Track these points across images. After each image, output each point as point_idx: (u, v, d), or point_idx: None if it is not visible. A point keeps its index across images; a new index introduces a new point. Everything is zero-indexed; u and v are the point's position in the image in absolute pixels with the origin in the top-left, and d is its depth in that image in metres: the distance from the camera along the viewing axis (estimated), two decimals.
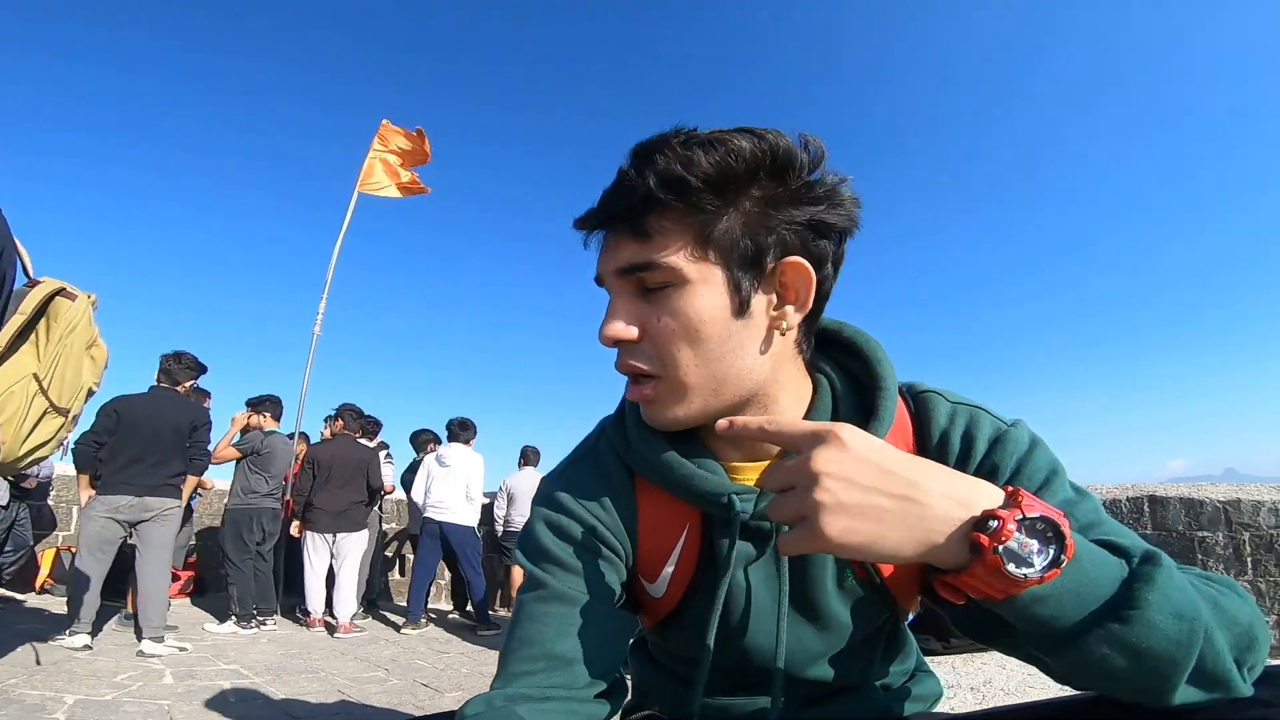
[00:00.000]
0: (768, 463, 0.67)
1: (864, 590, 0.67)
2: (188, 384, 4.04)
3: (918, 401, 0.69)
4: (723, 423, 0.56)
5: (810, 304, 0.61)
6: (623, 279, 0.61)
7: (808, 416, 0.66)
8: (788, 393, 0.65)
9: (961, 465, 0.64)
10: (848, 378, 0.69)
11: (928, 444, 0.66)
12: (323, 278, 6.15)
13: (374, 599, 5.48)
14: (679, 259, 0.58)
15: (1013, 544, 0.44)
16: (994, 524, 0.45)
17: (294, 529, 4.73)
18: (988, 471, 0.62)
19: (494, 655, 3.84)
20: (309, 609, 4.64)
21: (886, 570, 0.66)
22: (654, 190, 0.56)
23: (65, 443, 1.92)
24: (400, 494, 5.89)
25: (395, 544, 6.42)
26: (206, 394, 4.60)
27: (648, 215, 0.58)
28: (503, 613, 5.61)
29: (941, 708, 0.81)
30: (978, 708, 0.78)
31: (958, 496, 0.47)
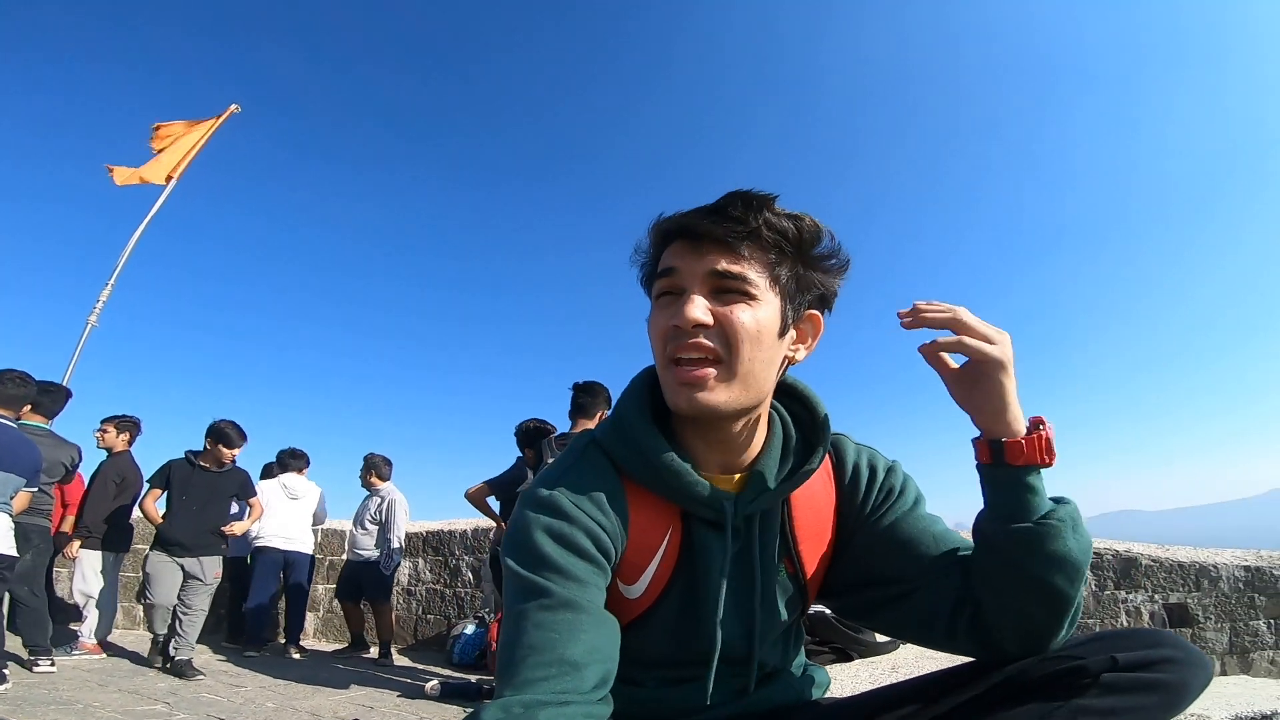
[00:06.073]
0: (739, 475, 0.81)
1: (790, 584, 0.83)
2: None
3: (833, 442, 0.89)
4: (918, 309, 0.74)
5: (813, 349, 0.82)
6: (709, 279, 0.73)
7: (768, 442, 0.82)
8: (766, 414, 0.82)
9: (869, 488, 0.85)
10: (792, 416, 0.86)
11: (844, 473, 0.87)
12: (113, 263, 5.72)
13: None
14: (760, 280, 0.74)
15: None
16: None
17: (72, 549, 4.13)
18: (885, 491, 0.85)
19: (304, 690, 3.59)
20: (93, 637, 4.14)
21: (809, 569, 0.84)
22: (761, 229, 0.73)
23: None
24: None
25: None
26: None
27: (746, 242, 0.73)
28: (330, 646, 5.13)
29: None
30: None
31: None
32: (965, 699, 0.73)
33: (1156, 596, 4.85)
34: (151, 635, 3.99)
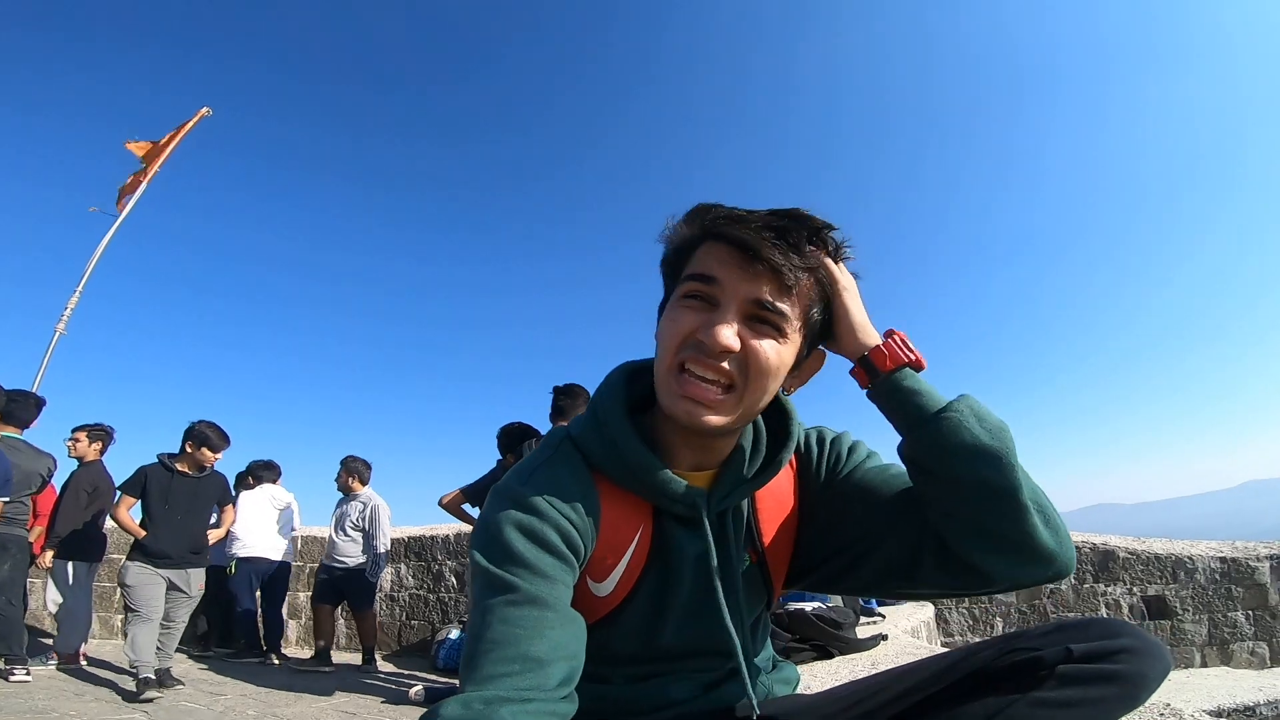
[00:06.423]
0: (712, 471, 0.80)
1: (757, 576, 0.84)
2: None
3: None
4: None
5: (806, 383, 0.82)
6: (748, 305, 0.71)
7: (739, 443, 0.81)
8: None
9: (819, 458, 0.87)
10: (765, 420, 0.85)
11: (799, 452, 0.88)
12: (80, 270, 5.74)
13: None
14: (795, 319, 0.73)
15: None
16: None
17: (45, 560, 4.08)
18: (835, 456, 0.86)
19: (285, 697, 3.55)
20: (74, 647, 4.13)
21: (771, 557, 0.84)
22: (819, 269, 0.72)
23: None
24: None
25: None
26: None
27: (801, 275, 0.71)
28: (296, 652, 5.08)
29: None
30: None
31: None
32: (925, 695, 0.72)
33: (1135, 589, 4.93)
34: (133, 668, 3.51)
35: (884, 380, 0.74)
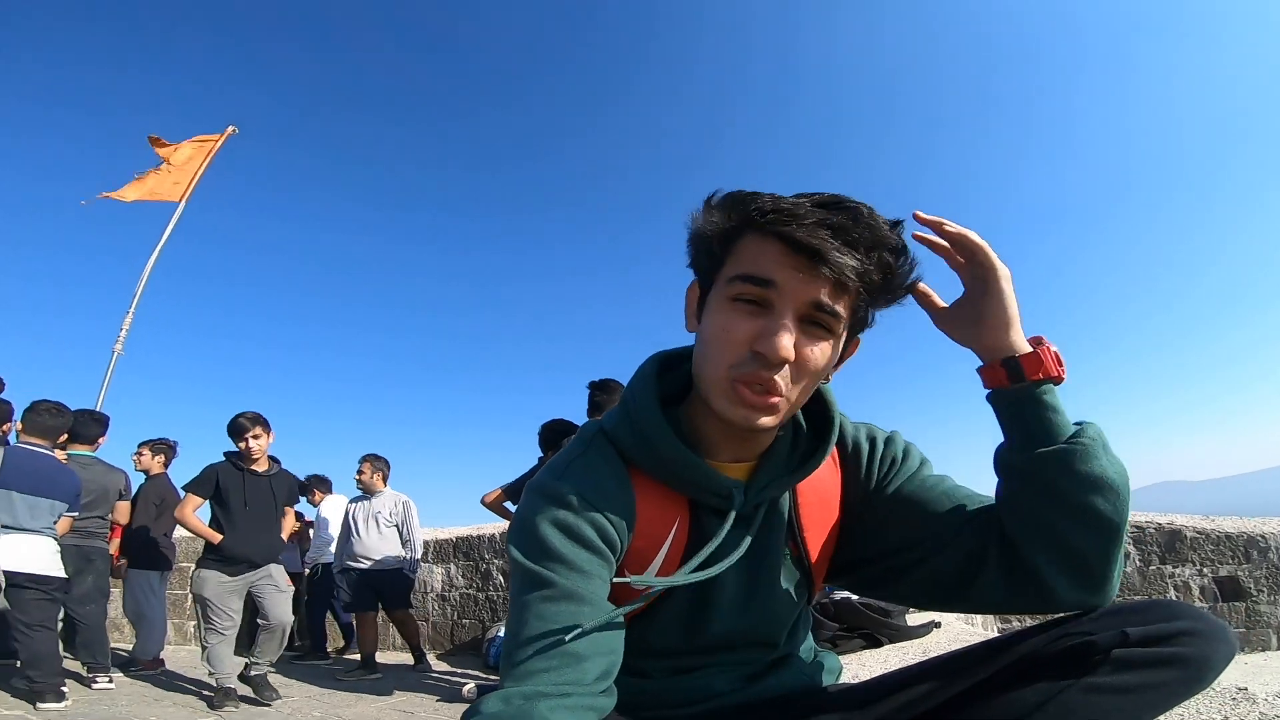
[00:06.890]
0: (750, 463, 0.79)
1: (797, 569, 0.83)
2: None
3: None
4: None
5: (840, 369, 0.79)
6: (805, 308, 0.68)
7: (781, 434, 0.81)
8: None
9: (870, 460, 0.84)
10: (802, 409, 0.83)
11: (845, 452, 0.86)
12: (132, 290, 5.93)
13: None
14: (846, 317, 0.70)
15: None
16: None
17: (120, 570, 4.37)
18: (889, 461, 0.84)
19: (347, 697, 3.67)
20: (152, 654, 4.39)
21: (812, 552, 0.83)
22: (872, 271, 0.68)
23: None
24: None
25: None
26: None
27: (858, 280, 0.68)
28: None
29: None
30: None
31: None
32: (975, 681, 0.70)
33: (1205, 570, 4.70)
34: (213, 679, 3.48)
35: (1025, 389, 0.70)
